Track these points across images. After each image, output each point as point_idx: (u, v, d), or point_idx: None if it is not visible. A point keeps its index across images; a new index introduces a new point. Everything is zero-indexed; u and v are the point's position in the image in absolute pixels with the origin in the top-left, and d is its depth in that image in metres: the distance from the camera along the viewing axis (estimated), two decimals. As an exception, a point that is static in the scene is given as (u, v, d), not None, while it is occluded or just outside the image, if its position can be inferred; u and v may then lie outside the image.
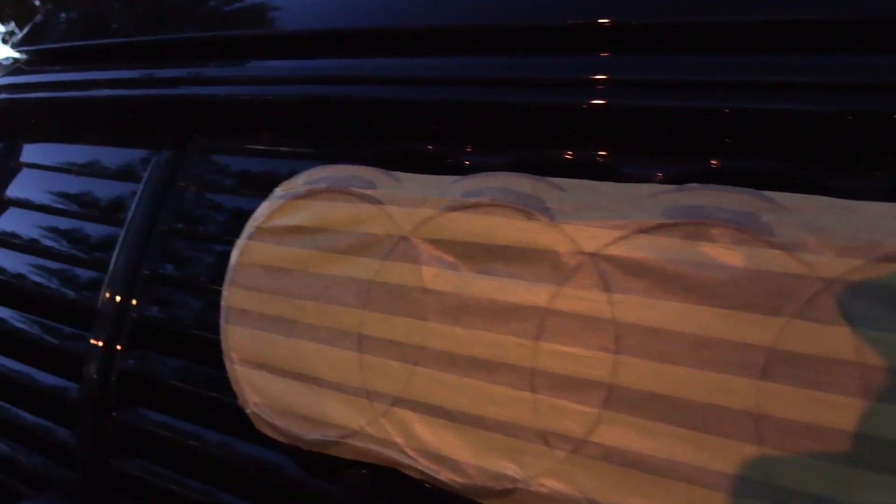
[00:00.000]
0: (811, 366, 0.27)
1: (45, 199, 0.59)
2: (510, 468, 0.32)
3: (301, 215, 0.39)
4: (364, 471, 0.37)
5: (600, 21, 0.37)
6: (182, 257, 0.48)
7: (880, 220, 0.27)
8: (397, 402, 0.35)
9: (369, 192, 0.37)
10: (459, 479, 0.33)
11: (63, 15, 0.70)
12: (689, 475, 0.29)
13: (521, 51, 0.40)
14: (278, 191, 0.41)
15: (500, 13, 0.42)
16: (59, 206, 0.58)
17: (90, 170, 0.57)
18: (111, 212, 0.53)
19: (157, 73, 0.54)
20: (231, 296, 0.41)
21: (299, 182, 0.40)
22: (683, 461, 0.29)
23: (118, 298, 0.49)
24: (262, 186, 0.42)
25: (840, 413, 0.26)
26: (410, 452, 0.34)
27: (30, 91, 0.62)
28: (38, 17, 0.72)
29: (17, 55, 0.69)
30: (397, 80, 0.43)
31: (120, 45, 0.60)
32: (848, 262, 0.27)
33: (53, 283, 0.54)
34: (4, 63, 0.69)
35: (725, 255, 0.29)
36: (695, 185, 0.31)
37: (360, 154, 0.42)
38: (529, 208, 0.33)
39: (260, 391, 0.39)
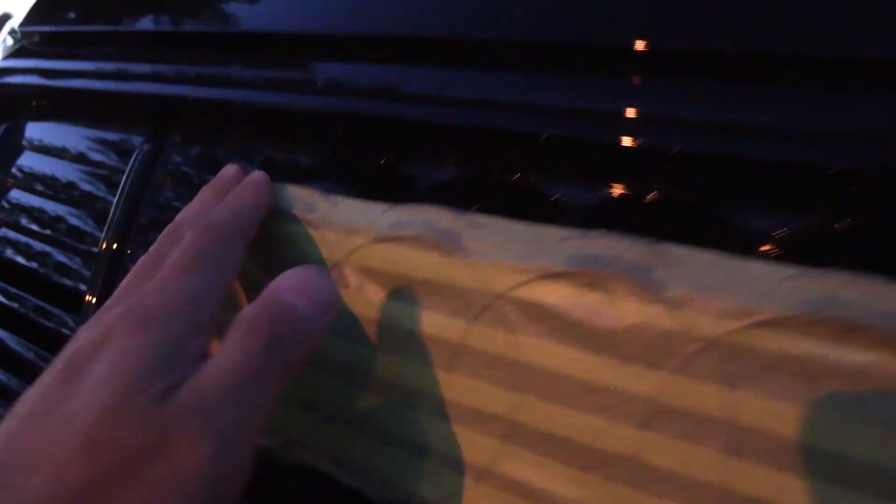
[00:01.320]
0: (686, 420, 0.28)
1: (45, 181, 0.62)
2: (424, 488, 0.34)
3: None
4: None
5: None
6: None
7: (759, 283, 0.28)
8: (335, 418, 0.37)
9: (309, 216, 0.39)
10: (384, 495, 0.36)
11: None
12: (577, 510, 0.31)
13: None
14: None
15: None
16: (56, 188, 0.61)
17: (85, 154, 0.60)
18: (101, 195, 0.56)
19: (145, 67, 0.56)
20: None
21: (249, 200, 0.42)
22: (571, 497, 0.31)
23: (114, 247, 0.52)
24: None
25: (707, 467, 0.28)
26: (340, 466, 0.37)
27: (29, 75, 0.65)
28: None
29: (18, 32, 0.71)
30: (359, 92, 0.44)
31: (117, 34, 0.62)
32: (725, 325, 0.28)
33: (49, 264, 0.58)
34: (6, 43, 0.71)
35: (616, 307, 0.30)
36: (597, 232, 0.32)
37: (311, 163, 0.44)
38: (447, 244, 0.34)
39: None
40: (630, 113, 0.34)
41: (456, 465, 0.34)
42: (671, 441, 0.29)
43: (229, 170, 0.41)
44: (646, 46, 0.34)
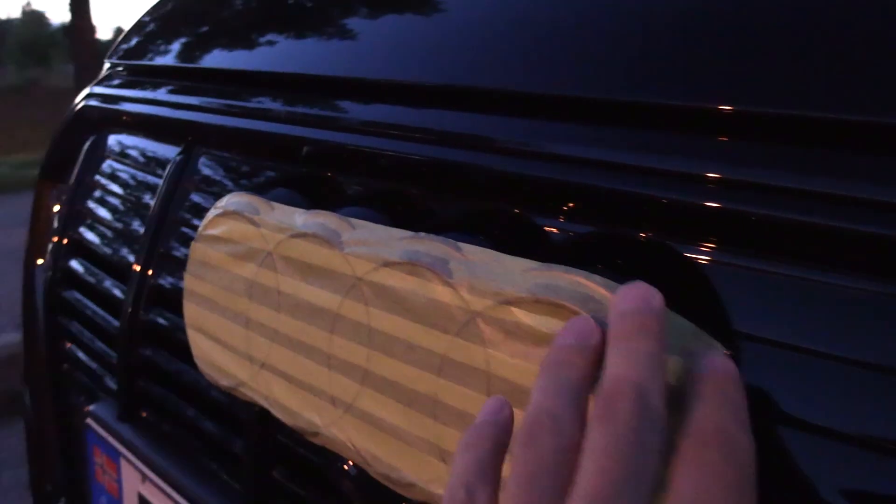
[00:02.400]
0: (462, 370, 0.40)
1: (119, 182, 0.79)
2: (316, 417, 0.47)
3: (219, 228, 0.55)
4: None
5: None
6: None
7: (509, 273, 0.39)
8: (264, 366, 0.51)
9: (254, 217, 0.52)
10: (293, 422, 0.49)
11: (149, 31, 0.89)
12: (402, 436, 0.42)
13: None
14: (212, 209, 0.57)
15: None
16: (126, 187, 0.78)
17: (143, 162, 0.77)
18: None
19: (184, 98, 0.72)
20: (187, 281, 0.58)
21: (222, 203, 0.56)
22: (398, 425, 0.42)
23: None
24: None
25: (476, 405, 0.39)
26: (269, 401, 0.50)
27: (111, 102, 0.82)
28: (131, 29, 0.92)
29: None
30: (310, 123, 0.57)
31: (172, 69, 0.78)
32: (484, 302, 0.39)
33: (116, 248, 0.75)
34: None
35: (425, 288, 0.41)
36: (422, 234, 0.43)
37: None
38: (332, 240, 0.47)
39: (198, 348, 0.57)
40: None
41: (333, 401, 0.46)
42: (455, 385, 0.40)
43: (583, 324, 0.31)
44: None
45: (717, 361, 0.29)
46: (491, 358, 0.38)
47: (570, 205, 0.42)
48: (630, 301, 0.29)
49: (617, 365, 0.27)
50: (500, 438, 0.30)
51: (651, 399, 0.25)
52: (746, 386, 0.29)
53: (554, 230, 0.43)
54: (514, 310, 0.38)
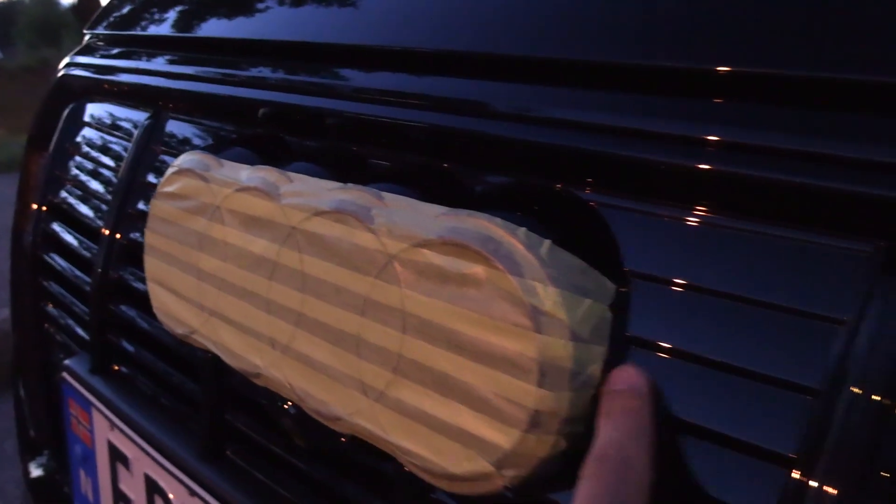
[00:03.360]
0: (381, 310, 0.42)
1: (97, 147, 0.82)
2: (258, 359, 0.50)
3: (174, 185, 0.58)
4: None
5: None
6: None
7: (423, 218, 0.41)
8: (213, 313, 0.54)
9: (204, 173, 0.55)
10: (238, 365, 0.52)
11: (126, 3, 0.91)
12: (330, 373, 0.45)
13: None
14: (170, 167, 0.60)
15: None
16: (103, 152, 0.81)
17: (120, 126, 0.80)
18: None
19: (159, 65, 0.75)
20: (146, 236, 0.61)
21: (178, 161, 0.59)
22: (328, 364, 0.45)
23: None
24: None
25: (392, 341, 0.42)
26: (217, 346, 0.53)
27: (89, 71, 0.85)
28: (110, 2, 0.95)
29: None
30: (256, 85, 0.60)
31: (149, 38, 0.81)
32: (400, 245, 0.42)
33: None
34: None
35: (351, 234, 0.44)
36: (351, 185, 0.46)
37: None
38: (272, 192, 0.49)
39: (157, 299, 0.60)
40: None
41: (272, 343, 0.49)
42: (375, 324, 0.43)
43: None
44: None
45: (625, 376, 0.34)
46: (405, 297, 0.41)
47: (480, 156, 0.44)
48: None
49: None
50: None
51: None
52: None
53: (467, 179, 0.45)
54: (425, 251, 0.40)
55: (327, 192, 0.47)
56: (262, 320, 0.50)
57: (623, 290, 0.38)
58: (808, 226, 0.34)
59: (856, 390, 0.31)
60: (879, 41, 0.34)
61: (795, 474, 0.32)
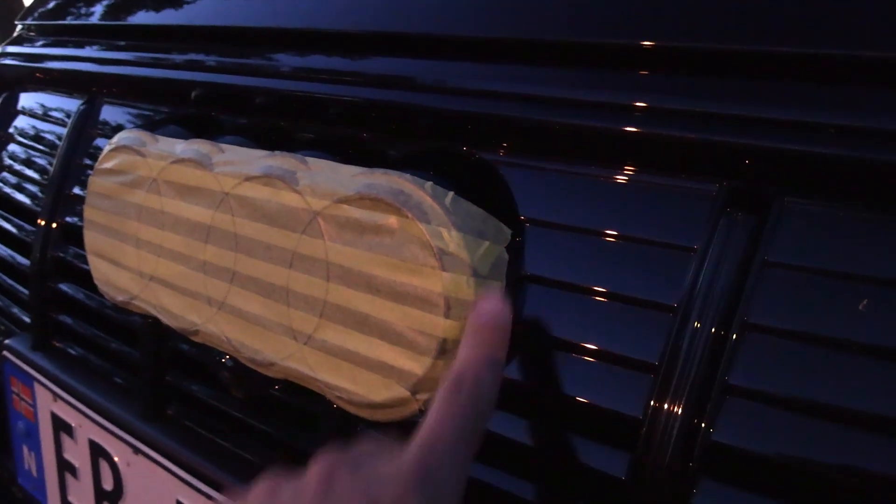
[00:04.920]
0: (308, 262, 0.47)
1: (32, 136, 0.84)
2: (195, 317, 0.54)
3: (112, 162, 0.61)
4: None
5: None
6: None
7: (343, 178, 0.46)
8: (152, 279, 0.58)
9: (141, 149, 0.59)
10: (177, 324, 0.56)
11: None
12: (262, 323, 0.50)
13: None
14: (107, 145, 0.63)
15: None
16: (38, 140, 0.83)
17: (53, 115, 0.82)
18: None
19: (92, 51, 0.78)
20: (86, 211, 0.64)
21: (114, 140, 0.62)
22: (261, 315, 0.50)
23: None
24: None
25: (318, 290, 0.46)
26: (157, 309, 0.57)
27: (22, 60, 0.87)
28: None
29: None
30: (183, 67, 0.64)
31: (80, 27, 0.84)
32: (323, 202, 0.46)
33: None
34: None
35: (278, 196, 0.49)
36: (278, 152, 0.51)
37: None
38: (205, 162, 0.54)
39: (98, 270, 0.63)
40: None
41: (209, 301, 0.53)
42: (302, 275, 0.48)
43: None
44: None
45: (486, 307, 0.38)
46: (329, 248, 0.46)
47: (394, 124, 0.50)
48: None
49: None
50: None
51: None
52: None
53: (382, 145, 0.51)
54: (345, 206, 0.45)
55: (256, 159, 0.52)
56: (198, 281, 0.54)
57: (517, 233, 0.44)
58: (665, 170, 0.40)
59: (704, 304, 0.37)
60: (724, 12, 0.41)
61: (657, 380, 0.38)
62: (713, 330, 0.37)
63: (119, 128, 0.71)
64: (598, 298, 0.41)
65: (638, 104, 0.40)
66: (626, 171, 0.41)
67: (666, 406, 0.37)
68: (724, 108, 0.38)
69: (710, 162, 0.39)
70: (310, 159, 0.49)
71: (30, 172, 0.82)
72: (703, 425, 0.37)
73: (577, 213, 0.42)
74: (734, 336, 0.37)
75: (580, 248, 0.42)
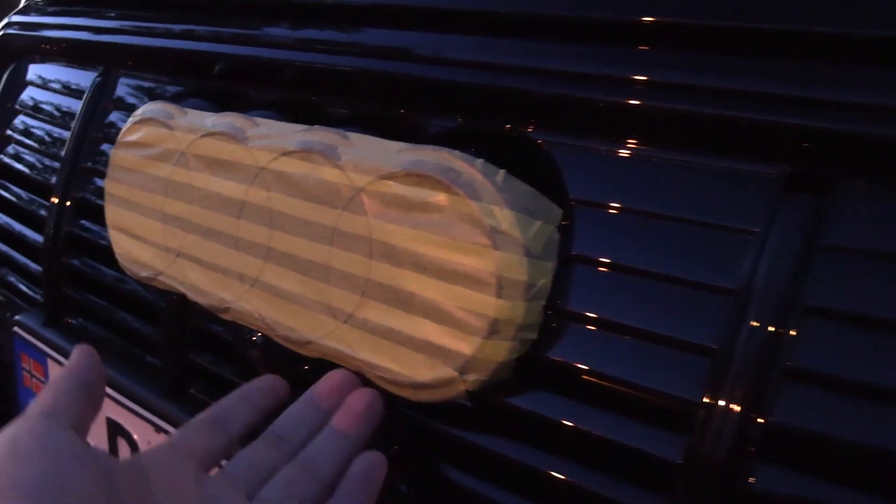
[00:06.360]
0: (349, 239, 0.46)
1: (41, 109, 0.82)
2: (226, 294, 0.53)
3: (137, 134, 0.60)
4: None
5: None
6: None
7: (386, 154, 0.45)
8: (179, 255, 0.57)
9: (168, 121, 0.58)
10: (206, 301, 0.55)
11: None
12: (299, 301, 0.49)
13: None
14: (131, 117, 0.62)
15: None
16: (48, 113, 0.81)
17: (67, 86, 0.80)
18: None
19: (104, 22, 0.76)
20: (108, 185, 0.63)
21: (139, 112, 0.61)
22: (298, 293, 0.49)
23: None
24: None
25: (361, 267, 0.46)
26: (184, 286, 0.56)
27: (30, 30, 0.85)
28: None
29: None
30: (206, 38, 0.62)
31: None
32: (366, 178, 0.46)
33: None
34: None
35: (317, 171, 0.48)
36: (316, 127, 0.50)
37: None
38: (239, 136, 0.52)
39: (120, 246, 0.62)
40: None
41: (241, 277, 0.52)
42: (343, 252, 0.47)
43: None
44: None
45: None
46: (372, 225, 0.45)
47: (439, 101, 0.49)
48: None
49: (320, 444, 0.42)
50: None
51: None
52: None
53: (428, 122, 0.50)
54: (391, 182, 0.45)
55: (293, 133, 0.50)
56: (230, 257, 0.53)
57: (568, 214, 0.43)
58: (724, 153, 0.39)
59: (765, 288, 0.37)
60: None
61: (716, 364, 0.38)
62: (773, 314, 0.37)
63: (136, 102, 0.70)
64: (655, 281, 0.40)
65: (700, 85, 0.39)
66: (686, 153, 0.40)
67: (725, 390, 0.37)
68: (788, 90, 0.38)
69: (772, 144, 0.38)
70: (351, 134, 0.48)
71: (41, 147, 0.80)
72: (762, 410, 0.36)
73: (630, 194, 0.41)
74: (794, 320, 0.36)
75: (632, 229, 0.41)
